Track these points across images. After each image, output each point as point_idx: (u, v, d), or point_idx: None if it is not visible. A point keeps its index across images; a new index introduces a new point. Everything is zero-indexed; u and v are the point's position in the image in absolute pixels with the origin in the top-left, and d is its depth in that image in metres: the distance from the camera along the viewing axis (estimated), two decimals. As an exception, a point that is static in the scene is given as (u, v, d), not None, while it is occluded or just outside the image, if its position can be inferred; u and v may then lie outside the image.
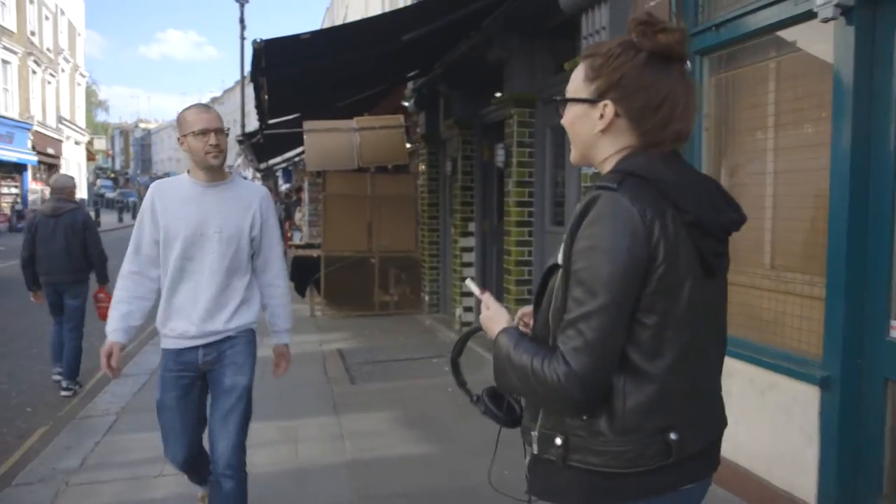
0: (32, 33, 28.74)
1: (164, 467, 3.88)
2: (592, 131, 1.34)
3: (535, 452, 1.38)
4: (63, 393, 5.64)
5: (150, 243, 2.72)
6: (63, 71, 33.85)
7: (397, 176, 9.79)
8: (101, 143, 57.24)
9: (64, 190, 5.79)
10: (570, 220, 1.27)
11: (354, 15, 17.04)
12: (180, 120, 2.70)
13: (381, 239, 9.16)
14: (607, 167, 1.35)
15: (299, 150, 14.61)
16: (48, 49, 30.88)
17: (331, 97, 8.70)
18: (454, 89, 7.75)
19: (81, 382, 5.83)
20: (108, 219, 34.15)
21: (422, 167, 9.24)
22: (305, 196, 13.12)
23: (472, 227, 7.97)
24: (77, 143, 37.29)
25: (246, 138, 12.46)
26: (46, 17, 30.99)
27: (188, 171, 2.77)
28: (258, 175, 24.36)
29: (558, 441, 1.31)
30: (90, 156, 43.82)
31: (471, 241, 7.99)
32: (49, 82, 31.09)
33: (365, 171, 9.04)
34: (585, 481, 1.30)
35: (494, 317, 1.45)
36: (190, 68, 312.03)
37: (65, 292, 5.69)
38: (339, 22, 20.86)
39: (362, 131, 8.21)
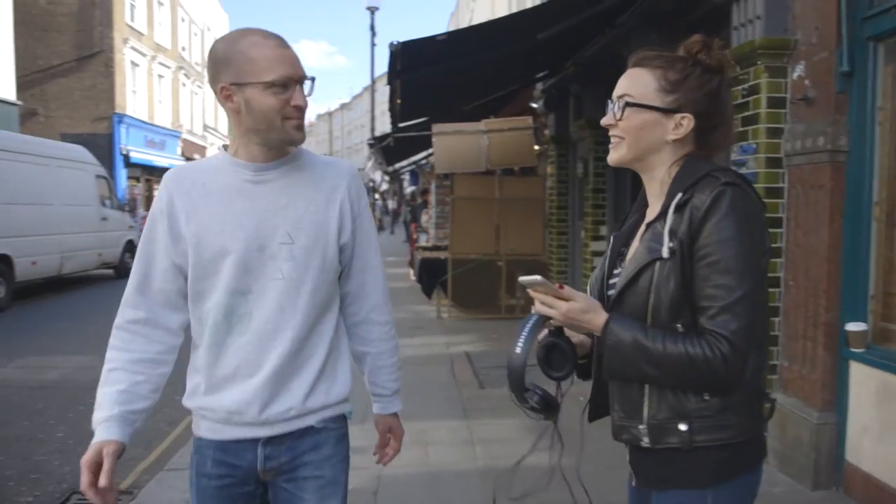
0: (183, 49, 31.08)
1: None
2: (662, 138, 1.46)
3: (647, 445, 1.41)
4: None
5: (165, 271, 1.63)
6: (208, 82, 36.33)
7: (525, 178, 9.67)
8: (240, 150, 60.89)
9: None
10: (686, 213, 1.35)
11: (480, 18, 17.09)
12: (231, 57, 1.55)
13: (509, 242, 9.06)
14: (661, 171, 1.48)
15: (427, 152, 14.83)
16: (196, 63, 33.24)
17: (459, 100, 8.73)
18: (586, 88, 7.54)
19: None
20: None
21: (550, 169, 9.08)
22: (432, 198, 13.27)
23: (603, 230, 7.74)
24: (219, 148, 39.89)
25: (377, 142, 12.76)
26: (195, 34, 33.42)
27: (224, 148, 1.70)
28: (386, 178, 25.03)
29: (683, 427, 1.37)
30: (231, 161, 46.80)
31: (602, 245, 7.75)
32: (196, 93, 33.46)
33: (492, 174, 9.00)
34: (714, 458, 1.38)
35: (587, 307, 1.41)
36: (320, 76, 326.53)
37: None
38: (464, 24, 21.01)
39: (490, 133, 8.17)
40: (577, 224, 8.45)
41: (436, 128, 8.25)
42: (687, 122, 1.44)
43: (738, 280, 1.31)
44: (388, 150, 13.05)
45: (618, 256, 1.58)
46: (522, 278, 1.42)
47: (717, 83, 1.46)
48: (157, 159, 27.12)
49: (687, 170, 1.43)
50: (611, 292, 1.50)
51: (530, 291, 1.43)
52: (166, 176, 1.68)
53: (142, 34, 25.86)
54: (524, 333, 1.44)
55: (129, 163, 24.23)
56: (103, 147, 21.49)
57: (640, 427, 1.42)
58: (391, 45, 4.80)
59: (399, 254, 19.31)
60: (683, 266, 1.35)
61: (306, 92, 1.61)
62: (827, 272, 3.58)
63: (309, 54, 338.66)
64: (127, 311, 1.65)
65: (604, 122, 1.51)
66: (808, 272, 3.71)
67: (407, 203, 19.72)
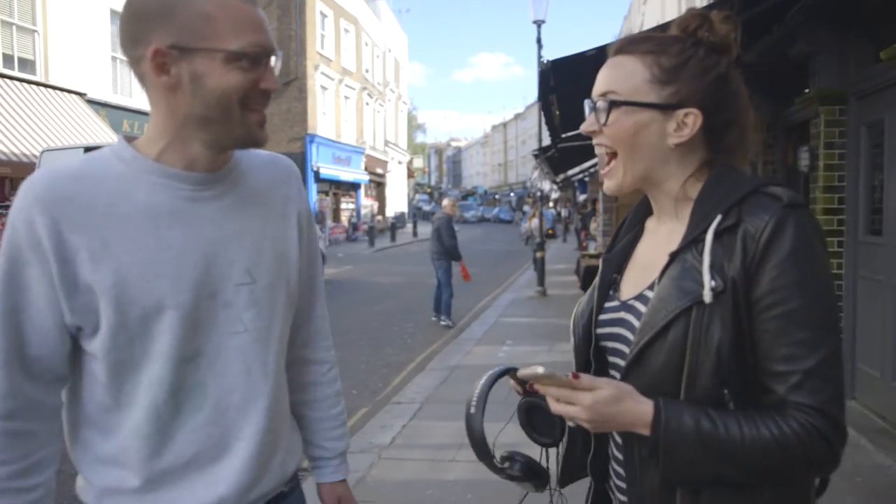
0: (367, 70, 33.34)
1: (458, 453, 4.34)
2: (663, 144, 1.12)
3: None
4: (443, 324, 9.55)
5: (46, 334, 1.10)
6: (389, 100, 38.64)
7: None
8: (419, 162, 64.05)
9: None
10: (737, 243, 1.03)
11: (650, 21, 16.78)
12: (174, 7, 1.05)
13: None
14: (671, 185, 1.15)
15: (593, 160, 14.82)
16: (378, 83, 35.48)
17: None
18: (751, 90, 7.26)
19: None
20: (423, 229, 37.95)
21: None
22: (600, 206, 13.27)
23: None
24: (399, 162, 42.32)
25: (541, 152, 13.01)
26: (377, 56, 35.71)
27: (127, 145, 1.15)
28: (555, 187, 25.14)
29: None
30: (410, 173, 49.52)
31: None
32: (378, 111, 35.70)
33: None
34: None
35: (619, 394, 1.04)
36: (497, 87, 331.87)
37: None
38: (636, 29, 20.66)
39: (654, 140, 8.11)
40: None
41: (598, 136, 8.34)
42: (692, 118, 1.10)
43: (820, 334, 1.00)
44: (553, 159, 13.24)
45: (609, 286, 1.24)
46: (522, 372, 1.08)
47: (726, 66, 1.13)
48: (343, 174, 29.37)
49: (721, 183, 1.10)
50: (610, 343, 1.18)
51: (538, 387, 1.08)
52: (32, 192, 1.06)
53: (330, 60, 28.20)
54: (477, 390, 1.17)
55: (318, 178, 26.58)
56: (298, 165, 23.61)
57: None
58: (541, 63, 5.06)
59: (570, 261, 19.37)
60: (737, 314, 1.02)
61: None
62: None
63: (486, 67, 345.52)
64: None
65: (584, 128, 1.18)
66: None
67: (577, 211, 19.70)
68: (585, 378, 1.04)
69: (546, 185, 23.26)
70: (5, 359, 1.08)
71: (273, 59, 1.12)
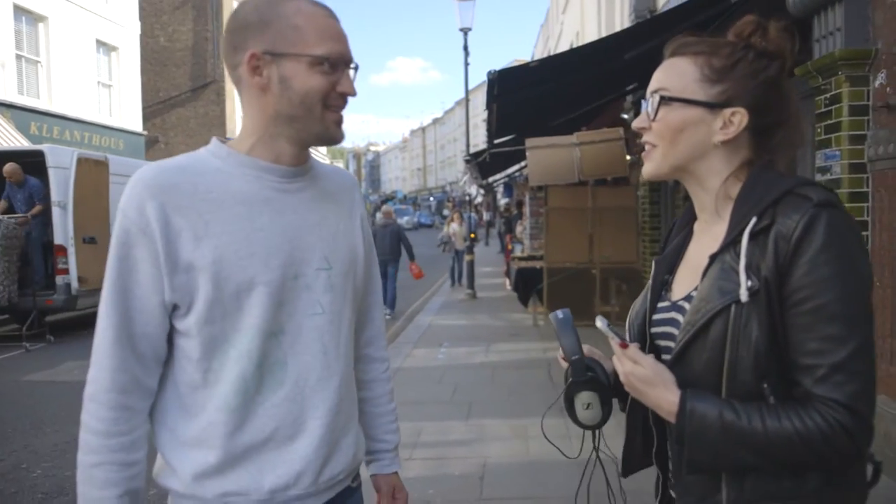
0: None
1: (414, 451, 4.45)
2: (709, 141, 1.18)
3: None
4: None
5: (150, 313, 1.21)
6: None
7: (617, 188, 9.86)
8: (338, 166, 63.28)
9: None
10: (770, 243, 1.08)
11: (569, 29, 17.35)
12: (270, 20, 1.22)
13: (603, 250, 9.28)
14: (713, 183, 1.21)
15: (520, 165, 15.19)
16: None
17: (550, 116, 9.05)
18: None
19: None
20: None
21: (643, 178, 9.22)
22: (527, 209, 13.62)
23: (695, 237, 7.81)
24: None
25: (473, 157, 13.27)
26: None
27: (222, 142, 1.30)
28: (481, 191, 25.55)
29: None
30: (330, 178, 48.69)
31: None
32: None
33: (585, 185, 9.25)
34: None
35: (653, 378, 1.14)
36: (415, 92, 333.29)
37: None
38: (553, 37, 21.29)
39: (582, 146, 8.44)
40: (670, 231, 8.56)
41: (529, 142, 8.60)
42: (739, 117, 1.16)
43: (849, 328, 1.03)
44: (483, 164, 13.53)
45: (661, 286, 1.30)
46: (599, 319, 1.26)
47: (776, 70, 1.17)
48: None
49: (758, 184, 1.15)
50: (662, 342, 1.24)
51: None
52: (142, 181, 1.19)
53: (249, 63, 27.55)
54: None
55: (239, 183, 25.87)
56: (217, 170, 23.11)
57: None
58: (489, 73, 5.26)
59: (496, 264, 19.73)
60: (772, 312, 1.07)
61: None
62: (911, 273, 3.70)
63: (404, 71, 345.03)
64: (103, 374, 1.19)
65: (635, 125, 1.25)
66: (894, 272, 3.84)
67: (501, 215, 20.13)
68: (631, 349, 1.16)
69: (474, 190, 23.61)
70: (117, 335, 1.19)
71: (352, 68, 1.27)
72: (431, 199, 75.95)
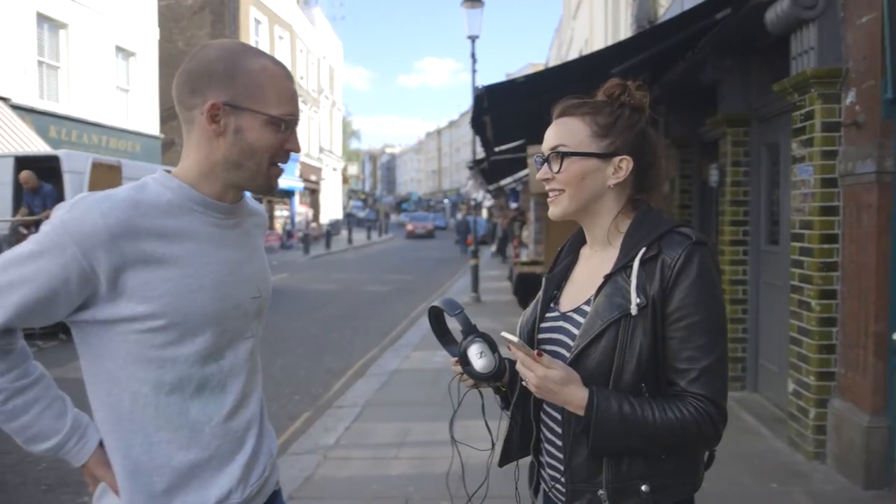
0: (301, 77, 33.19)
1: (400, 451, 4.64)
2: (604, 184, 1.44)
3: None
4: None
5: (45, 315, 1.34)
6: (323, 107, 38.56)
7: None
8: (353, 169, 63.75)
9: None
10: (657, 270, 1.34)
11: (580, 36, 17.48)
12: (235, 74, 1.31)
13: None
14: (605, 219, 1.46)
15: (524, 171, 15.34)
16: (312, 90, 35.37)
17: (547, 125, 9.19)
18: (672, 109, 7.84)
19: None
20: (358, 236, 38.00)
21: (552, 218, 9.34)
22: (532, 215, 13.77)
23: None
24: (334, 169, 42.27)
25: (475, 164, 13.44)
26: (312, 63, 35.61)
27: (170, 176, 1.37)
28: (488, 195, 25.71)
29: (644, 487, 1.35)
30: (344, 180, 49.29)
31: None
32: (312, 118, 35.56)
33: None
34: None
35: (566, 379, 1.33)
36: (447, 94, 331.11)
37: None
38: (565, 43, 21.42)
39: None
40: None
41: (530, 150, 8.76)
42: (626, 163, 1.43)
43: (714, 341, 1.32)
44: (486, 171, 13.70)
45: (550, 300, 1.54)
46: (505, 334, 1.37)
47: (645, 122, 1.46)
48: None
49: (644, 221, 1.42)
50: (549, 347, 1.45)
51: (512, 348, 1.37)
52: (95, 225, 1.22)
53: (264, 67, 27.89)
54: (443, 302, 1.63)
55: (253, 185, 26.15)
56: (231, 172, 23.40)
57: (600, 492, 1.37)
58: (475, 89, 5.45)
59: (503, 268, 19.86)
60: (655, 324, 1.32)
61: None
62: (875, 285, 3.84)
63: (434, 73, 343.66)
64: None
65: (539, 176, 1.49)
66: (860, 285, 3.97)
67: (504, 219, 20.37)
68: (546, 358, 1.34)
69: (479, 195, 23.81)
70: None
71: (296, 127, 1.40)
72: (446, 200, 76.08)
